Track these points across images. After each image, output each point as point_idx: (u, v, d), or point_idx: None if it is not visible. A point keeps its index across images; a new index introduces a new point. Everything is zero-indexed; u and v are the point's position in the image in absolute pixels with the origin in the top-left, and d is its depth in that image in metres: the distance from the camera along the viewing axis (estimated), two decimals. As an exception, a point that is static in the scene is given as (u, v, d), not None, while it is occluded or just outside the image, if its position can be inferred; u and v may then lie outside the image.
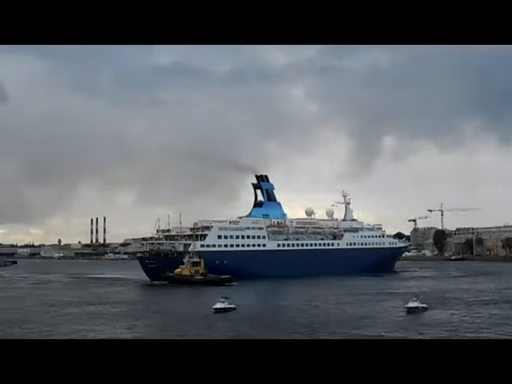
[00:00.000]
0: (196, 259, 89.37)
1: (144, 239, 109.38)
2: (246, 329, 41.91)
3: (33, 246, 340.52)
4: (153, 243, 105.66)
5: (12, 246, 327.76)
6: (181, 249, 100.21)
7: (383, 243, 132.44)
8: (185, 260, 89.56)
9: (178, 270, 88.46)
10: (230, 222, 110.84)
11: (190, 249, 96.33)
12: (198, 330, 41.59)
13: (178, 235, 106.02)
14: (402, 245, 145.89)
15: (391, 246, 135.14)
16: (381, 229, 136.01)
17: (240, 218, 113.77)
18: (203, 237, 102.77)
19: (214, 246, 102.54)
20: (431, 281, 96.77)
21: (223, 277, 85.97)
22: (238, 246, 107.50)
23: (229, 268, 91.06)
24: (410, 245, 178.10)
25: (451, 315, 47.01)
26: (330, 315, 48.60)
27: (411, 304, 48.23)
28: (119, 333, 40.67)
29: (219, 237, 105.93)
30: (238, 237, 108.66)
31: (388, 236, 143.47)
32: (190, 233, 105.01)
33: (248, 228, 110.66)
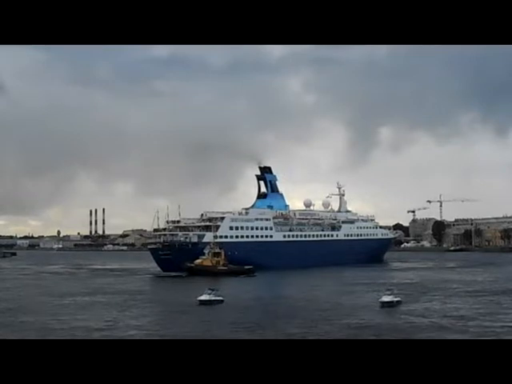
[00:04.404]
0: (217, 250, 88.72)
1: (156, 230, 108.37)
2: (217, 319, 42.63)
3: (32, 237, 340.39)
4: (165, 234, 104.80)
5: (11, 237, 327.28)
6: (195, 240, 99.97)
7: (376, 234, 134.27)
8: (205, 251, 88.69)
9: (199, 260, 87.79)
10: (240, 213, 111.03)
11: (206, 239, 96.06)
12: (174, 318, 43.86)
13: (189, 226, 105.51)
14: (392, 236, 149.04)
15: (384, 236, 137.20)
16: (374, 220, 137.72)
17: (246, 209, 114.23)
18: (216, 228, 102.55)
19: (227, 236, 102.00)
20: (424, 272, 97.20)
21: (246, 267, 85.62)
22: (247, 237, 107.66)
23: (239, 259, 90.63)
24: (400, 235, 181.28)
25: (425, 309, 46.71)
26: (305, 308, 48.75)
27: (385, 298, 47.97)
28: (105, 322, 41.68)
29: (231, 228, 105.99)
30: (247, 228, 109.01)
31: (383, 227, 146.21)
32: (203, 224, 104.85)
33: (257, 219, 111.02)
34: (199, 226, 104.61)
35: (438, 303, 50.79)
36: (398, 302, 48.28)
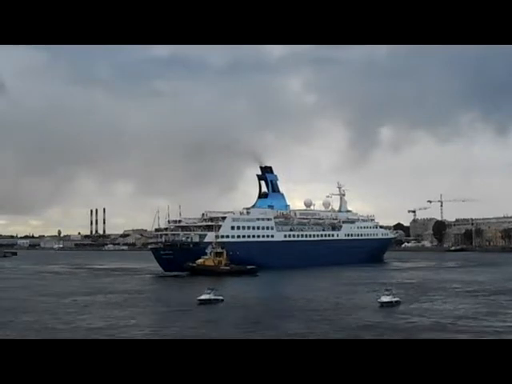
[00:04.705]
0: (219, 250, 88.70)
1: (158, 230, 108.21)
2: (216, 318, 42.84)
3: (32, 237, 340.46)
4: (167, 234, 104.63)
5: (11, 237, 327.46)
6: (196, 239, 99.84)
7: (377, 234, 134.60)
8: (207, 250, 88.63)
9: (201, 260, 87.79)
10: (241, 213, 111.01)
11: (208, 239, 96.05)
12: (173, 318, 44.08)
13: (191, 226, 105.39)
14: (392, 236, 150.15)
15: (384, 236, 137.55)
16: (374, 220, 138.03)
17: (247, 208, 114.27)
18: (217, 227, 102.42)
19: (228, 236, 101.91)
20: (425, 271, 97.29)
21: (249, 267, 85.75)
22: (249, 236, 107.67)
23: (241, 259, 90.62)
24: (400, 235, 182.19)
25: (424, 309, 46.77)
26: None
27: (384, 298, 48.06)
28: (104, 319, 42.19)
29: (232, 228, 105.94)
30: (249, 228, 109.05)
31: (384, 227, 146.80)
32: (204, 223, 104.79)
33: (258, 219, 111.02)
34: (200, 226, 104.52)
35: (437, 303, 50.84)
36: (396, 302, 48.34)
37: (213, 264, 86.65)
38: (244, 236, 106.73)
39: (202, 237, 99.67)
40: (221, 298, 51.26)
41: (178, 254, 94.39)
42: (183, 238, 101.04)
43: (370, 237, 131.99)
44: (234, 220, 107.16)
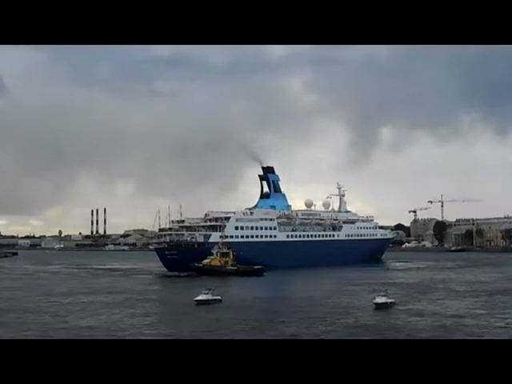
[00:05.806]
0: (225, 250, 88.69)
1: (162, 230, 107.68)
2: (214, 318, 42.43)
3: (33, 237, 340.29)
4: (171, 234, 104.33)
5: (12, 237, 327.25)
6: (201, 240, 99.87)
7: (376, 234, 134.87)
8: (213, 251, 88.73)
9: (207, 260, 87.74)
10: (244, 214, 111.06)
11: (212, 239, 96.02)
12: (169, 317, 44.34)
13: (195, 226, 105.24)
14: (391, 236, 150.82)
15: (383, 237, 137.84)
16: (373, 220, 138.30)
17: (249, 209, 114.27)
18: (222, 228, 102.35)
19: (232, 236, 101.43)
20: (424, 272, 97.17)
21: (256, 267, 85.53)
22: (252, 236, 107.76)
23: (245, 258, 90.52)
24: (401, 235, 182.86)
25: (420, 310, 46.38)
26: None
27: (379, 299, 47.80)
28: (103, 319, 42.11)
29: (236, 228, 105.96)
30: (252, 228, 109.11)
31: (384, 227, 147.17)
32: (209, 223, 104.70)
33: (261, 219, 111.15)
34: (204, 226, 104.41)
35: (435, 304, 50.49)
36: (391, 303, 48.13)
37: (219, 264, 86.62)
38: (248, 236, 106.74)
39: (206, 237, 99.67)
40: (218, 298, 50.86)
41: (182, 254, 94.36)
42: (188, 238, 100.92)
43: (369, 237, 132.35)
44: (237, 220, 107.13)
